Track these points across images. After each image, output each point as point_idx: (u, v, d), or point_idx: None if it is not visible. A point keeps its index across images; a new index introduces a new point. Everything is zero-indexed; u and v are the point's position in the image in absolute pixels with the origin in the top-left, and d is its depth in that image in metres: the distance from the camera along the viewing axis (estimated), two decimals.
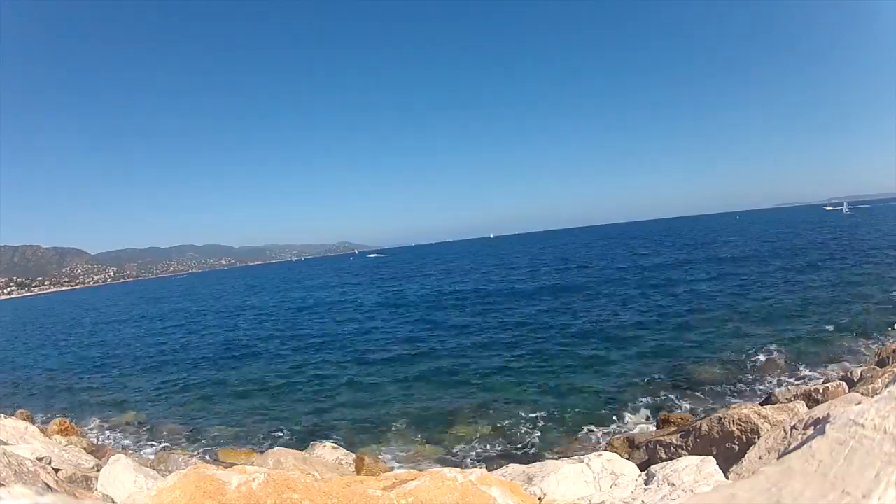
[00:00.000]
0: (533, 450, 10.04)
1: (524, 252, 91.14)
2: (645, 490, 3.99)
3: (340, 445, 10.00)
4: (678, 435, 7.11)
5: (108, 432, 13.86)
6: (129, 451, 11.33)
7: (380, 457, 10.09)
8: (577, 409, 11.76)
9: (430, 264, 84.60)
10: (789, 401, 7.84)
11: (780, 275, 27.72)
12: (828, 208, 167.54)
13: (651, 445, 7.55)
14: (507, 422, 11.45)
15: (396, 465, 9.73)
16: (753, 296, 22.43)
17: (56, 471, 6.19)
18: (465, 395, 13.60)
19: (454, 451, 10.35)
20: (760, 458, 4.45)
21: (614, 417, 11.10)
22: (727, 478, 4.10)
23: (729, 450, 5.97)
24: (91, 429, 14.10)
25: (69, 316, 61.52)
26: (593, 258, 56.52)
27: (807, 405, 7.00)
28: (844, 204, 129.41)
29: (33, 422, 12.34)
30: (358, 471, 8.64)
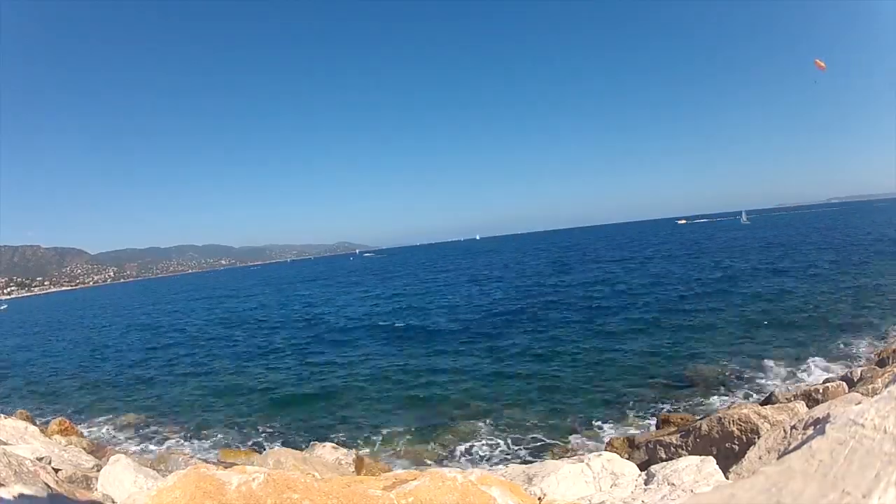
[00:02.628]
0: (533, 450, 10.04)
1: (509, 252, 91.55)
2: (645, 490, 3.99)
3: (340, 445, 10.00)
4: (678, 435, 7.11)
5: (108, 432, 13.86)
6: (129, 451, 11.33)
7: (380, 457, 10.09)
8: (577, 410, 11.76)
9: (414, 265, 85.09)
10: (789, 401, 7.84)
11: (780, 276, 27.73)
12: (680, 221, 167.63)
13: (651, 445, 7.55)
14: (506, 422, 11.45)
15: (396, 465, 9.73)
16: (752, 297, 22.43)
17: (56, 471, 6.19)
18: (465, 395, 13.59)
19: (454, 451, 10.35)
20: (760, 458, 4.45)
21: (614, 417, 11.10)
22: (727, 478, 4.10)
23: (729, 450, 5.97)
24: (91, 429, 14.10)
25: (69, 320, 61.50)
26: (573, 262, 56.55)
27: (807, 405, 6.99)
28: (743, 213, 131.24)
29: (33, 422, 12.33)
30: (358, 471, 8.64)
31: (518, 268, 53.84)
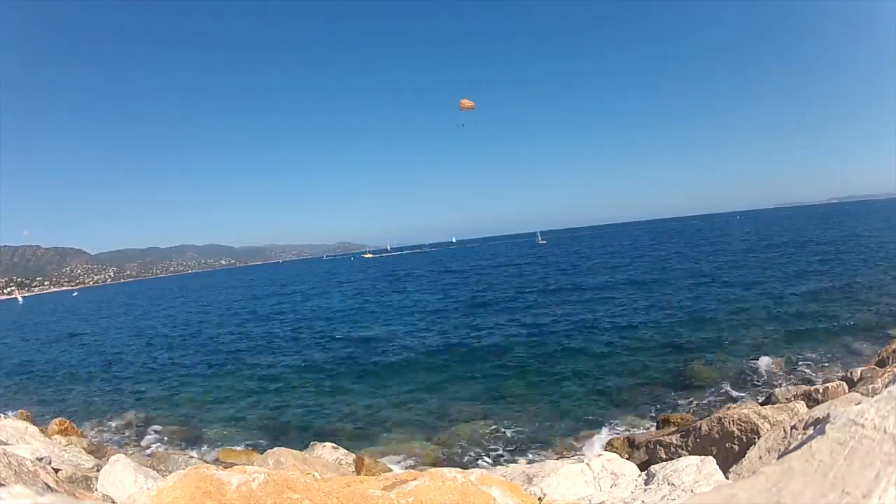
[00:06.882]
0: (533, 450, 10.04)
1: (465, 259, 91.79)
2: (645, 490, 3.99)
3: (340, 445, 9.99)
4: (678, 435, 7.11)
5: (108, 432, 13.85)
6: (129, 451, 11.33)
7: (380, 457, 10.09)
8: (577, 410, 11.76)
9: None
10: (789, 401, 7.84)
11: (779, 276, 27.73)
12: (366, 255, 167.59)
13: (651, 445, 7.55)
14: (507, 422, 11.45)
15: (396, 465, 9.72)
16: (753, 297, 22.43)
17: (56, 471, 6.19)
18: (465, 395, 13.59)
19: (454, 451, 10.35)
20: (760, 458, 4.45)
21: (614, 417, 11.10)
22: (727, 478, 4.10)
23: (729, 450, 5.97)
24: (91, 429, 14.09)
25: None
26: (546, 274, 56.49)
27: (807, 405, 6.99)
28: (538, 234, 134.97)
29: (33, 422, 12.32)
30: (358, 471, 8.63)
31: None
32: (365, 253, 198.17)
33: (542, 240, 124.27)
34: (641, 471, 4.59)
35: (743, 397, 11.13)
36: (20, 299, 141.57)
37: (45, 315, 69.25)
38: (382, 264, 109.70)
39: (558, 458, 6.75)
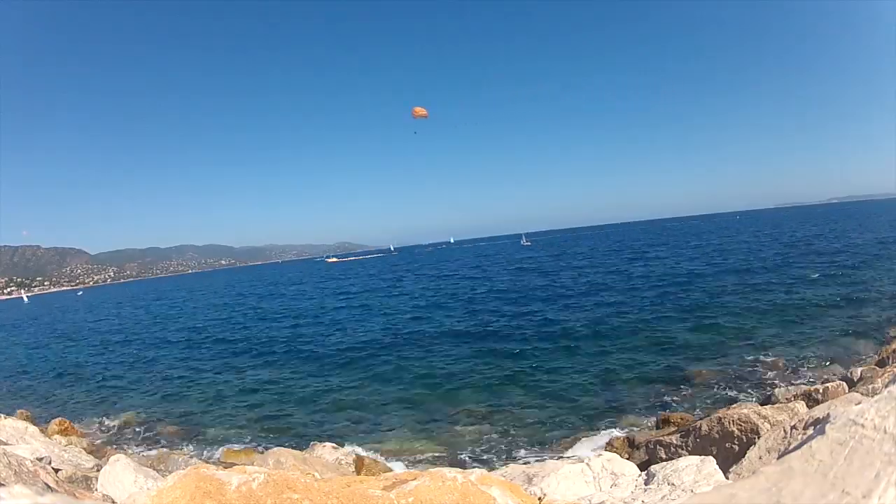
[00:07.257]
0: (533, 450, 10.04)
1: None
2: (645, 490, 3.99)
3: (340, 445, 10.00)
4: (678, 435, 7.11)
5: (108, 432, 13.85)
6: (129, 451, 11.33)
7: (380, 457, 10.09)
8: (577, 410, 11.75)
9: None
10: (789, 401, 7.84)
11: (779, 277, 27.73)
12: (330, 260, 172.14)
13: (651, 445, 7.55)
14: (507, 422, 11.45)
15: (396, 465, 9.72)
16: (752, 297, 22.42)
17: (56, 471, 6.19)
18: (465, 395, 13.59)
19: (454, 451, 10.35)
20: (760, 458, 4.45)
21: (614, 417, 11.09)
22: (727, 478, 4.10)
23: (729, 450, 5.98)
24: (91, 429, 14.09)
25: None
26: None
27: (807, 405, 6.99)
28: (523, 236, 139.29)
29: (33, 422, 12.33)
30: (358, 471, 8.64)
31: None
32: (329, 258, 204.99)
33: (527, 241, 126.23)
34: (641, 471, 4.59)
35: (743, 397, 11.13)
36: (26, 299, 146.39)
37: (54, 314, 69.58)
38: (346, 268, 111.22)
39: (558, 458, 6.75)
